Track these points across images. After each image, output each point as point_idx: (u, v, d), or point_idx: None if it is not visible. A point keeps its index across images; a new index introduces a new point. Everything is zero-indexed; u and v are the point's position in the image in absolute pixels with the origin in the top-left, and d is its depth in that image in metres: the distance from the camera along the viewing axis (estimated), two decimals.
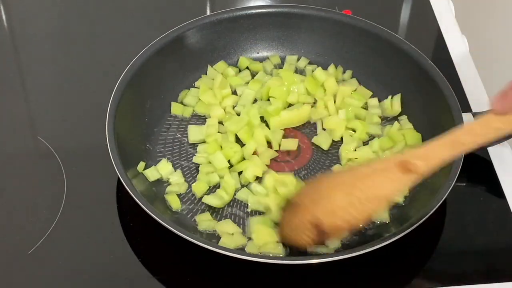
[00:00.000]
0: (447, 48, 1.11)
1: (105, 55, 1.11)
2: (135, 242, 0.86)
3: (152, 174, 0.91)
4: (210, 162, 0.92)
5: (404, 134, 0.96)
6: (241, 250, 0.84)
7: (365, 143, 0.96)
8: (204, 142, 0.95)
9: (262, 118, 0.98)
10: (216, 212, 0.89)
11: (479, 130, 0.73)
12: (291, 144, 0.96)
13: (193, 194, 0.90)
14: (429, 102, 0.96)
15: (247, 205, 0.89)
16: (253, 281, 0.83)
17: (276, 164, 0.94)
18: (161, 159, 0.93)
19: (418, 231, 0.80)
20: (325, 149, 0.96)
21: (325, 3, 1.09)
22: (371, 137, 0.97)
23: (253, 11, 1.05)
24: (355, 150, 0.95)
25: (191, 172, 0.93)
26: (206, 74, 1.04)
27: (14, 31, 1.16)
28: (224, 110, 0.99)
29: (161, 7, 1.20)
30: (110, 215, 0.88)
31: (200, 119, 0.99)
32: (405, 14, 1.19)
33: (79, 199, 0.90)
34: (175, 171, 0.92)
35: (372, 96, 1.02)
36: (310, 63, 1.06)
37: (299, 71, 1.05)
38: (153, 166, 0.92)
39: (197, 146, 0.95)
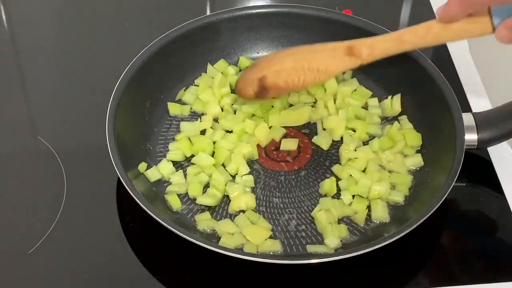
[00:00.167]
0: (447, 48, 1.11)
1: (105, 55, 1.11)
2: (135, 242, 0.86)
3: (153, 174, 0.91)
4: (189, 160, 0.93)
5: (404, 134, 0.96)
6: (241, 250, 0.84)
7: (365, 143, 0.97)
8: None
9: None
10: (216, 212, 0.89)
11: (421, 32, 0.79)
12: (291, 144, 0.96)
13: None
14: (429, 102, 0.96)
15: None
16: (253, 281, 0.83)
17: (276, 163, 0.94)
18: (161, 159, 0.93)
19: (418, 231, 0.80)
20: (325, 149, 0.96)
21: (325, 3, 1.09)
22: (371, 137, 0.97)
23: (253, 11, 1.05)
24: (355, 150, 0.95)
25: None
26: (206, 72, 1.04)
27: (14, 31, 1.16)
28: (222, 108, 0.99)
29: (161, 7, 1.20)
30: (110, 215, 0.88)
31: (199, 117, 0.99)
32: (405, 14, 1.19)
33: (79, 199, 0.90)
34: (176, 171, 0.92)
35: (372, 96, 1.02)
36: None
37: None
38: (154, 166, 0.92)
39: None
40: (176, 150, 0.94)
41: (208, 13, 1.17)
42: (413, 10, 1.19)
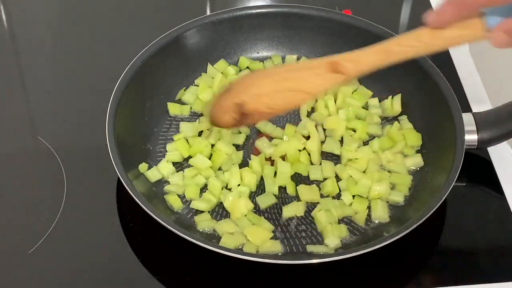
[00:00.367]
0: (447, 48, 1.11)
1: (105, 55, 1.11)
2: (135, 242, 0.86)
3: (153, 174, 0.91)
4: (188, 163, 0.93)
5: (404, 134, 0.96)
6: (241, 250, 0.84)
7: (365, 143, 0.97)
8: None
9: None
10: (216, 212, 0.89)
11: (410, 42, 0.74)
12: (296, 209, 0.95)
13: None
14: (429, 102, 0.96)
15: None
16: (253, 281, 0.83)
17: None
18: (161, 159, 0.93)
19: (418, 231, 0.80)
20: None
21: (325, 3, 1.09)
22: (371, 137, 0.97)
23: (253, 11, 1.05)
24: (356, 150, 0.94)
25: None
26: (206, 72, 1.04)
27: (14, 31, 1.16)
28: None
29: (161, 7, 1.20)
30: (110, 215, 0.88)
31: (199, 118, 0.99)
32: (405, 14, 1.19)
33: (79, 199, 0.90)
34: (177, 171, 0.92)
35: (372, 96, 1.02)
36: None
37: None
38: (154, 166, 0.92)
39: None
40: (174, 151, 0.94)
41: (208, 13, 1.17)
42: (413, 10, 1.19)
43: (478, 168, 0.95)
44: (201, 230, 0.86)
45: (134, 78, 0.94)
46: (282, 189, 0.91)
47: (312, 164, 0.94)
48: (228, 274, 0.83)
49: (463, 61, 1.09)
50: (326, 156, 0.95)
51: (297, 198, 0.90)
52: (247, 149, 0.96)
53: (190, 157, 0.94)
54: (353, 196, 0.90)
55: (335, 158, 0.95)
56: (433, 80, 0.95)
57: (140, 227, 0.87)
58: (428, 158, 0.93)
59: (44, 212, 0.88)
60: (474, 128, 0.91)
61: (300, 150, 0.94)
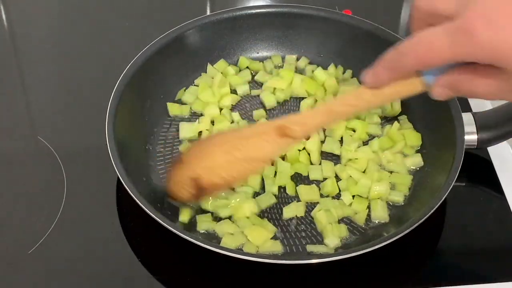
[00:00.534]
0: None
1: (105, 55, 1.11)
2: (135, 242, 0.86)
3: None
4: None
5: (404, 134, 0.96)
6: (241, 250, 0.84)
7: (365, 143, 0.97)
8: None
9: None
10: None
11: (352, 101, 0.74)
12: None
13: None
14: (429, 102, 0.95)
15: None
16: (253, 281, 0.83)
17: None
18: (161, 159, 0.93)
19: (418, 231, 0.80)
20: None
21: (325, 3, 1.09)
22: (371, 137, 0.97)
23: (253, 11, 1.05)
24: (355, 150, 0.94)
25: None
26: (206, 72, 1.04)
27: (14, 31, 1.16)
28: (221, 110, 0.99)
29: (161, 7, 1.20)
30: (110, 215, 0.88)
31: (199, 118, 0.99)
32: (405, 14, 1.19)
33: (79, 199, 0.90)
34: None
35: None
36: (310, 63, 1.06)
37: (299, 71, 1.05)
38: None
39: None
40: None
41: (208, 13, 1.17)
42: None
43: (478, 168, 0.95)
44: (201, 231, 0.86)
45: (134, 78, 0.94)
46: (281, 189, 0.91)
47: (311, 164, 0.94)
48: (228, 274, 0.83)
49: None
50: (326, 156, 0.95)
51: (296, 198, 0.90)
52: None
53: None
54: (353, 196, 0.90)
55: (335, 158, 0.95)
56: None
57: (140, 227, 0.87)
58: (428, 158, 0.93)
59: (44, 212, 0.88)
60: (474, 128, 0.91)
61: (299, 150, 0.94)
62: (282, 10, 1.05)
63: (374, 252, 0.78)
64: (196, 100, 1.01)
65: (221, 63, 1.04)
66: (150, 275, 0.83)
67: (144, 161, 0.92)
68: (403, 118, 0.99)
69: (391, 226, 0.87)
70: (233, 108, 1.01)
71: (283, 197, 0.91)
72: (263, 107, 1.01)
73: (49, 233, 0.86)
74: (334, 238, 0.85)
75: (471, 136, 0.90)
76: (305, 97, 1.01)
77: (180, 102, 1.01)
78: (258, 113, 1.00)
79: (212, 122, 0.98)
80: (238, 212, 0.87)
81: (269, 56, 1.07)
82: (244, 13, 1.04)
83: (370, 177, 0.90)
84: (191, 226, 0.87)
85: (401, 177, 0.92)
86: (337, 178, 0.92)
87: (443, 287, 0.82)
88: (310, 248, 0.85)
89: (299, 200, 0.90)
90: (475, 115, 0.92)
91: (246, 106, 1.02)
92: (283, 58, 1.07)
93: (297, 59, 1.06)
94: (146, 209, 0.81)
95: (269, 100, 1.01)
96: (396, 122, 0.98)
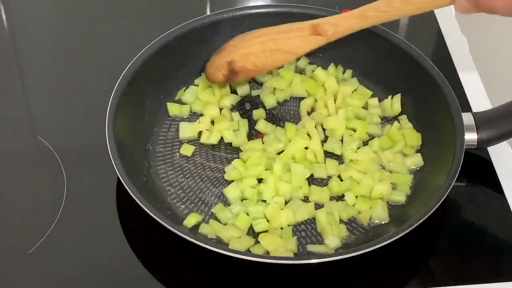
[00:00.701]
0: (447, 48, 1.11)
1: (105, 55, 1.11)
2: (135, 242, 0.86)
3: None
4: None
5: (404, 134, 0.96)
6: (240, 250, 0.84)
7: (365, 143, 0.97)
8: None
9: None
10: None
11: (383, 8, 0.83)
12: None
13: (193, 194, 0.90)
14: (429, 102, 0.96)
15: None
16: (253, 281, 0.83)
17: None
18: (161, 159, 0.93)
19: (418, 231, 0.80)
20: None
21: (325, 3, 1.09)
22: (371, 136, 0.97)
23: (253, 11, 1.04)
24: (356, 152, 0.94)
25: (191, 173, 0.93)
26: None
27: (14, 31, 1.16)
28: (221, 110, 0.99)
29: (161, 7, 1.20)
30: (110, 215, 0.88)
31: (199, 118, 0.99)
32: None
33: (79, 199, 0.90)
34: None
35: (372, 96, 1.02)
36: (310, 63, 1.06)
37: (299, 71, 1.05)
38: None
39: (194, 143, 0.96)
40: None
41: (208, 13, 1.17)
42: None
43: (478, 168, 0.95)
44: (202, 233, 0.86)
45: (134, 78, 0.94)
46: None
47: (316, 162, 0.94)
48: (228, 274, 0.83)
49: (463, 61, 1.09)
50: (326, 156, 0.95)
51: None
52: None
53: None
54: (356, 196, 0.90)
55: (335, 158, 0.95)
56: (433, 80, 0.95)
57: (140, 227, 0.87)
58: (428, 158, 0.93)
59: (44, 212, 0.88)
60: (474, 128, 0.91)
61: (306, 148, 0.94)
62: (282, 10, 1.05)
63: (374, 252, 0.78)
64: (196, 100, 1.01)
65: None
66: (150, 275, 0.83)
67: (144, 161, 0.92)
68: (403, 118, 0.99)
69: (391, 226, 0.87)
70: (233, 108, 1.01)
71: None
72: (263, 107, 1.01)
73: (49, 233, 0.86)
74: (334, 238, 0.85)
75: (471, 136, 0.90)
76: (305, 97, 1.01)
77: (180, 102, 1.01)
78: (258, 113, 1.00)
79: (212, 122, 0.98)
80: (274, 219, 0.86)
81: None
82: (244, 13, 1.04)
83: (371, 178, 0.90)
84: (191, 227, 0.87)
85: (402, 177, 0.92)
86: (339, 179, 0.92)
87: (443, 287, 0.82)
88: (310, 248, 0.85)
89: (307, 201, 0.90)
90: (475, 115, 0.92)
91: (246, 106, 1.02)
92: None
93: (297, 59, 1.06)
94: (146, 209, 0.81)
95: (269, 100, 1.01)
96: (396, 122, 0.98)
